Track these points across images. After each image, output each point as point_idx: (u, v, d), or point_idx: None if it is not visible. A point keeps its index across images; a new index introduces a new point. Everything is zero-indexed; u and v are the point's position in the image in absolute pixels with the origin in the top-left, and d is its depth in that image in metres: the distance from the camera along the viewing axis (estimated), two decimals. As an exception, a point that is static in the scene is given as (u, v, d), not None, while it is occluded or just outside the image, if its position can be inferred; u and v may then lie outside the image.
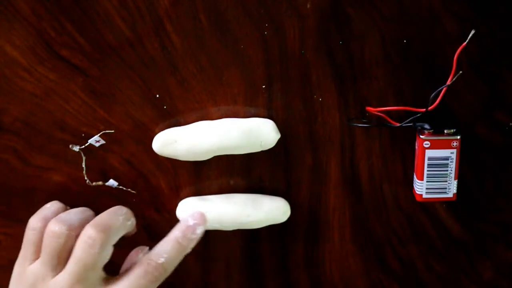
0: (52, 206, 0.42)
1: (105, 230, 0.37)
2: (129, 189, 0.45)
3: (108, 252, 0.37)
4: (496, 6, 0.41)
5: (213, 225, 0.43)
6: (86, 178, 0.44)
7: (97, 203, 0.45)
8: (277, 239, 0.46)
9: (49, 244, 0.37)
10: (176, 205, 0.44)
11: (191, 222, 0.35)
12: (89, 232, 0.36)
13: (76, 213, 0.40)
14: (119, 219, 0.38)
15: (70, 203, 0.45)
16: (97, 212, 0.43)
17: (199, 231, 0.35)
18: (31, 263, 0.38)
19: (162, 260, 0.36)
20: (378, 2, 0.41)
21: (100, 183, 0.45)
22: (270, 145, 0.42)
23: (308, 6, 0.41)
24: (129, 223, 0.38)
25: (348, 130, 0.44)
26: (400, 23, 0.41)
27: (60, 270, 0.37)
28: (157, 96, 0.43)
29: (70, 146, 0.43)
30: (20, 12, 0.40)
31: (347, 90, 0.43)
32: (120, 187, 0.45)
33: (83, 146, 0.44)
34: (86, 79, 0.42)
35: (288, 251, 0.47)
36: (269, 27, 0.41)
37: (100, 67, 0.42)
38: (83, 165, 0.44)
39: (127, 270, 0.37)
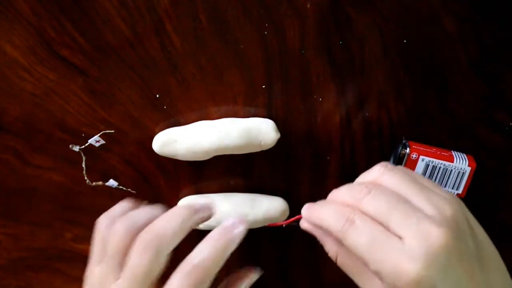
0: (121, 204, 0.39)
1: (158, 238, 0.34)
2: (129, 189, 0.45)
3: (162, 260, 0.34)
4: (496, 6, 0.41)
5: (211, 224, 0.43)
6: (86, 178, 0.44)
7: (97, 203, 0.45)
8: (277, 239, 0.46)
9: (112, 245, 0.35)
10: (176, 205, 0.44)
11: (229, 222, 0.34)
12: (141, 239, 0.34)
13: (144, 212, 0.37)
14: (174, 226, 0.34)
15: (70, 203, 0.45)
16: (99, 213, 0.43)
17: (237, 230, 0.34)
18: (97, 264, 0.36)
19: (196, 261, 0.34)
20: (378, 2, 0.41)
21: (100, 183, 0.45)
22: (270, 145, 0.42)
23: (308, 6, 0.41)
24: (188, 224, 0.35)
25: (348, 130, 0.44)
26: (400, 23, 0.41)
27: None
28: (157, 96, 0.43)
29: (70, 146, 0.43)
30: (20, 12, 0.40)
31: (347, 90, 0.43)
32: (120, 187, 0.45)
33: (83, 146, 0.44)
34: (86, 79, 0.42)
35: (288, 251, 0.47)
36: (269, 27, 0.41)
37: (100, 67, 0.42)
38: (83, 165, 0.44)
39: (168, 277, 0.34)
